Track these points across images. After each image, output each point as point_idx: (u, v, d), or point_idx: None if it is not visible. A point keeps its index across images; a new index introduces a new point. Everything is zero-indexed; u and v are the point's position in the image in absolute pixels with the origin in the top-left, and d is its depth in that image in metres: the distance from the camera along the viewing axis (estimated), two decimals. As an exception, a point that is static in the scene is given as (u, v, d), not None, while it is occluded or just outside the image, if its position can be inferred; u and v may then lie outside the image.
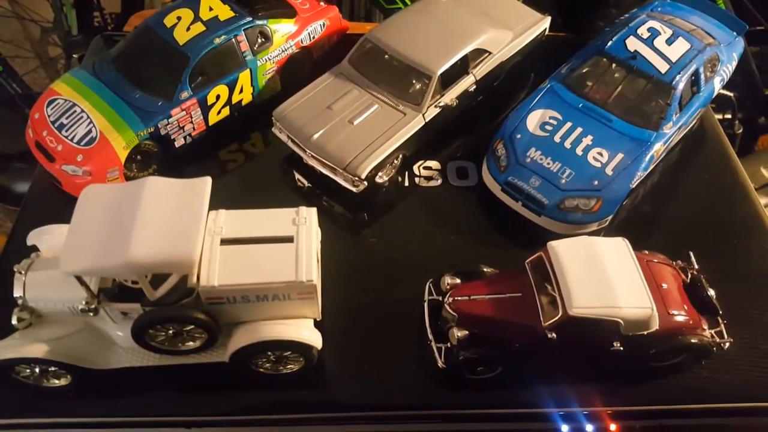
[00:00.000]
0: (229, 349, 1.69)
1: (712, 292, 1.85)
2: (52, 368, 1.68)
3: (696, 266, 1.93)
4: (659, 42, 2.34)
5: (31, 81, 4.55)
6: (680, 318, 1.75)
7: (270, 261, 1.61)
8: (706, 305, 1.83)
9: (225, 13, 2.30)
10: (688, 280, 1.89)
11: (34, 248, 1.79)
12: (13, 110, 3.86)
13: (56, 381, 1.74)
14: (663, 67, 2.27)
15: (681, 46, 2.33)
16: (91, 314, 1.60)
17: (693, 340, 1.75)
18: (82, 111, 2.15)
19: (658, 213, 2.30)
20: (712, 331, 1.80)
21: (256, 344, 1.66)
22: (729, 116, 3.28)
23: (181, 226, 1.52)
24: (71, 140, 2.10)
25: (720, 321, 1.83)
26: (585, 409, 1.78)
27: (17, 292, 1.65)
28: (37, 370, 1.68)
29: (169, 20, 2.25)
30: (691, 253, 1.95)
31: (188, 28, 2.22)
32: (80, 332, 1.69)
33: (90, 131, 2.11)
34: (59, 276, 1.53)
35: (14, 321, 1.66)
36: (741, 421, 1.84)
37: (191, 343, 1.70)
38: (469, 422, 1.81)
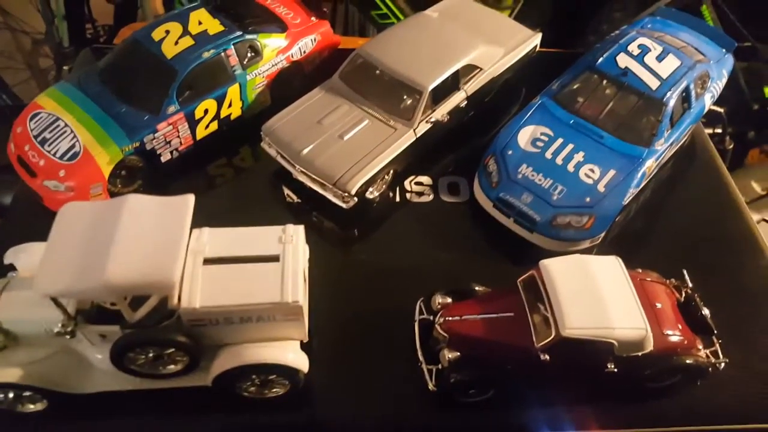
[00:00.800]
0: (212, 372, 1.63)
1: (706, 311, 1.82)
2: (27, 393, 1.62)
3: (690, 284, 1.90)
4: (650, 59, 2.34)
5: (22, 93, 4.50)
6: (675, 338, 1.72)
7: (255, 281, 1.57)
8: (700, 324, 1.80)
9: (214, 27, 2.28)
10: (682, 299, 1.86)
11: (12, 267, 1.73)
12: (3, 122, 3.81)
13: (31, 406, 1.67)
14: (654, 83, 2.27)
15: (671, 63, 2.33)
16: (68, 337, 1.55)
17: (688, 361, 1.72)
18: (66, 125, 2.10)
19: (650, 230, 2.28)
20: (707, 351, 1.77)
21: (240, 368, 1.60)
22: (719, 131, 3.29)
23: (162, 246, 1.48)
24: (54, 155, 2.06)
25: (715, 340, 1.80)
26: (579, 431, 1.73)
27: (-9, 313, 1.59)
28: (11, 395, 1.62)
29: (157, 34, 2.22)
30: (685, 272, 1.93)
31: (176, 42, 2.20)
32: (57, 355, 1.63)
33: (73, 146, 2.06)
34: (35, 297, 1.47)
35: (-13, 344, 1.59)
36: (738, 444, 1.81)
37: (172, 366, 1.64)
38: (461, 446, 1.76)
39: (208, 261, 1.59)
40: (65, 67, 3.96)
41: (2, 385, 1.57)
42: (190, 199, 1.60)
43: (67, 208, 1.57)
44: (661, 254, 2.16)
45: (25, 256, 1.71)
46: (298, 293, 1.56)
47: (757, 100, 3.70)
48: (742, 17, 3.55)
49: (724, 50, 2.59)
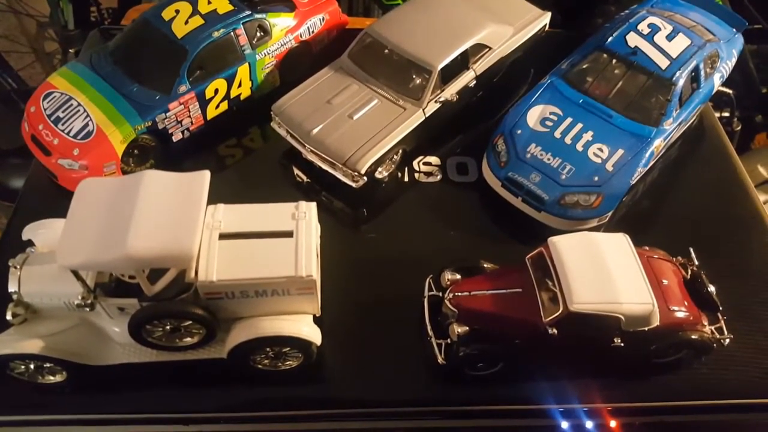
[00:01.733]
0: (228, 345, 1.67)
1: (712, 288, 1.84)
2: (48, 364, 1.66)
3: (696, 262, 1.92)
4: (659, 38, 2.33)
5: (27, 76, 4.52)
6: (681, 314, 1.75)
7: (269, 256, 1.60)
8: (706, 301, 1.83)
9: (224, 6, 2.28)
10: (689, 276, 1.88)
11: (30, 243, 1.76)
12: (9, 106, 3.83)
13: (52, 377, 1.72)
14: (663, 63, 2.26)
15: (681, 42, 2.32)
16: (87, 309, 1.58)
17: (693, 337, 1.75)
18: (79, 104, 2.12)
19: (658, 209, 2.29)
20: (713, 327, 1.79)
21: (255, 340, 1.64)
22: (727, 114, 3.28)
23: (180, 220, 1.50)
24: (68, 134, 2.08)
25: (720, 317, 1.82)
26: (585, 405, 1.77)
27: (12, 287, 1.63)
28: (32, 366, 1.66)
29: (167, 13, 2.22)
30: (691, 249, 1.95)
31: (186, 22, 2.20)
32: (76, 328, 1.67)
33: (87, 125, 2.09)
34: (55, 271, 1.51)
35: (9, 316, 1.63)
36: (741, 418, 1.85)
37: (189, 338, 1.68)
38: (470, 419, 1.80)
39: (223, 236, 1.62)
40: (71, 50, 3.96)
41: (24, 357, 1.62)
42: (206, 174, 1.62)
43: (86, 184, 1.60)
44: (668, 233, 2.18)
45: (44, 231, 1.74)
46: (312, 267, 1.59)
47: (765, 84, 3.68)
48: (754, -1, 3.52)
49: (734, 30, 2.58)
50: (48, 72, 4.70)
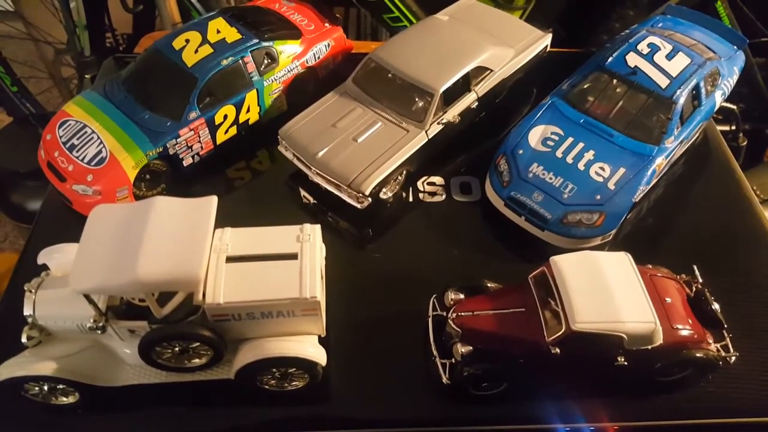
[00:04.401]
0: (235, 365, 1.71)
1: (716, 306, 1.84)
2: (61, 386, 1.71)
3: (700, 279, 1.92)
4: (659, 57, 2.36)
5: (45, 101, 4.67)
6: (685, 332, 1.75)
7: (274, 278, 1.64)
8: (710, 319, 1.82)
9: (232, 35, 2.36)
10: (693, 294, 1.88)
11: (45, 267, 1.82)
12: (27, 129, 3.96)
13: (64, 399, 1.76)
14: (663, 82, 2.29)
15: (681, 61, 2.35)
16: (99, 332, 1.63)
17: (698, 355, 1.74)
18: (93, 132, 2.20)
19: (662, 227, 2.30)
20: (718, 345, 1.79)
21: (261, 361, 1.67)
22: (733, 128, 3.28)
23: (188, 245, 1.55)
24: (82, 160, 2.16)
25: (725, 335, 1.82)
26: (591, 424, 1.77)
27: (27, 311, 1.68)
28: (45, 387, 1.71)
29: (177, 43, 2.31)
30: (695, 267, 1.95)
31: (196, 51, 2.28)
32: (88, 350, 1.72)
33: (100, 151, 2.16)
34: (68, 294, 1.57)
35: (24, 339, 1.69)
36: (750, 437, 1.83)
37: (197, 360, 1.72)
38: (474, 439, 1.81)
39: (230, 259, 1.67)
40: (87, 76, 4.09)
41: (38, 378, 1.66)
42: (213, 200, 1.67)
43: (98, 210, 1.66)
44: (672, 251, 2.19)
45: (58, 256, 1.79)
46: (316, 289, 1.62)
47: (775, 96, 3.67)
48: (759, 12, 3.53)
49: (735, 47, 2.60)
50: (65, 97, 4.86)
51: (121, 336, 1.69)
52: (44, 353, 1.69)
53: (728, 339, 1.81)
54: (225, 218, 1.75)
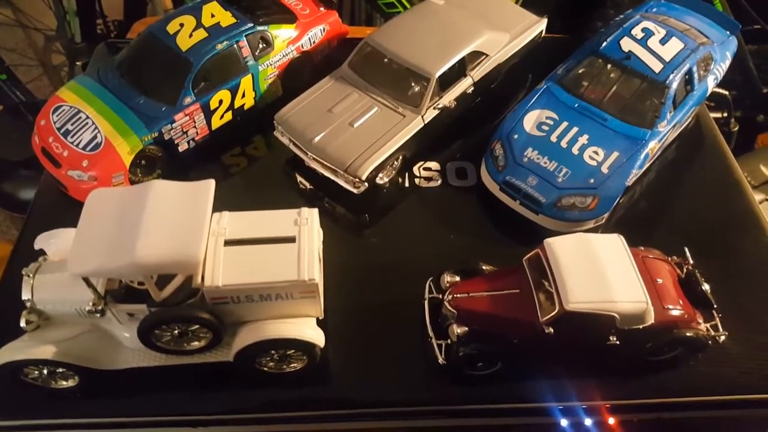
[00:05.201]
0: (234, 348, 1.72)
1: (706, 287, 1.87)
2: (60, 369, 1.72)
3: (691, 261, 1.96)
4: (653, 42, 2.38)
5: (35, 89, 4.61)
6: (675, 312, 1.78)
7: (273, 261, 1.65)
8: (701, 299, 1.86)
9: (227, 19, 2.34)
10: (684, 275, 1.92)
11: (42, 252, 1.82)
12: (18, 118, 3.92)
13: (64, 382, 1.77)
14: (657, 66, 2.31)
15: (674, 46, 2.37)
16: (98, 315, 1.64)
17: (688, 334, 1.78)
18: (87, 117, 2.19)
19: (655, 210, 2.33)
20: (708, 325, 1.83)
21: (260, 343, 1.69)
22: (725, 115, 3.31)
23: (186, 228, 1.56)
24: (77, 146, 2.15)
25: (715, 314, 1.86)
26: (584, 403, 1.80)
27: (25, 295, 1.69)
28: (45, 371, 1.72)
29: (171, 27, 2.29)
30: (686, 249, 1.98)
31: (191, 35, 2.27)
32: (87, 334, 1.73)
33: (95, 137, 2.15)
34: (66, 278, 1.57)
35: (23, 323, 1.69)
36: (737, 413, 1.87)
37: (196, 342, 1.73)
38: (470, 417, 1.84)
39: (228, 242, 1.68)
40: (78, 63, 4.05)
41: (38, 362, 1.67)
42: (211, 183, 1.68)
43: (96, 194, 1.66)
44: (664, 234, 2.22)
45: (55, 241, 1.80)
46: (314, 271, 1.64)
47: (766, 83, 3.70)
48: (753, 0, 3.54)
49: (728, 33, 2.62)
50: (55, 84, 4.80)
51: (120, 319, 1.70)
52: (43, 337, 1.70)
53: (718, 319, 1.85)
54: (221, 205, 1.76)
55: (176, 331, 1.68)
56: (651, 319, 1.70)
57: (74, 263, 1.52)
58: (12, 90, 4.19)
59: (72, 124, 2.19)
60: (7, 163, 3.70)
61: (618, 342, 1.72)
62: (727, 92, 3.13)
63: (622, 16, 2.66)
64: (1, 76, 4.16)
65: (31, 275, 1.71)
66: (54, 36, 4.43)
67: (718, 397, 1.83)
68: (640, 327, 1.71)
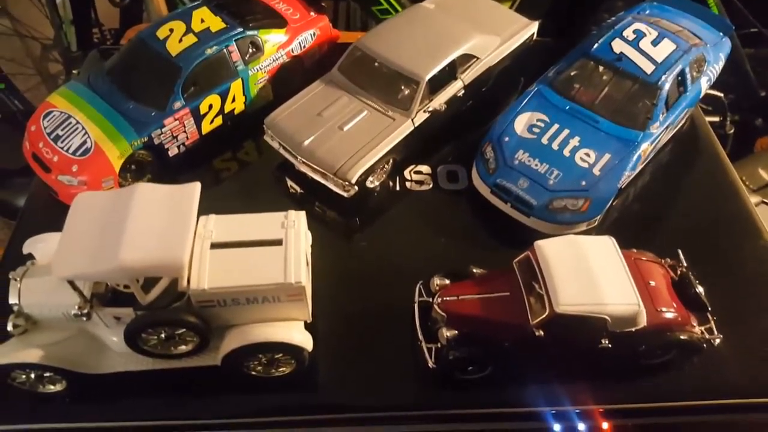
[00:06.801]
0: (221, 352, 1.71)
1: (700, 289, 1.85)
2: (48, 374, 1.70)
3: (684, 264, 1.94)
4: (645, 43, 2.37)
5: (33, 98, 4.62)
6: (669, 314, 1.76)
7: (259, 264, 1.64)
8: (695, 302, 1.84)
9: (216, 24, 2.35)
10: (677, 278, 1.90)
11: (30, 256, 1.81)
12: (15, 126, 3.93)
13: (52, 387, 1.76)
14: (648, 68, 2.30)
15: (666, 47, 2.36)
16: (85, 319, 1.63)
17: (682, 337, 1.76)
18: (77, 122, 2.19)
19: (648, 213, 2.31)
20: (702, 328, 1.81)
21: (247, 347, 1.67)
22: (720, 117, 3.29)
23: (171, 231, 1.55)
24: (66, 151, 2.15)
25: (710, 317, 1.83)
26: (577, 407, 1.78)
27: (12, 299, 1.68)
28: (32, 375, 1.71)
29: (161, 32, 2.30)
30: (680, 251, 1.96)
31: (180, 40, 2.27)
32: (74, 337, 1.72)
33: (85, 142, 2.15)
34: (53, 282, 1.56)
35: (9, 327, 1.68)
36: (732, 418, 1.84)
37: (183, 346, 1.72)
38: (461, 422, 1.81)
39: (215, 245, 1.67)
40: (74, 71, 4.05)
41: (25, 366, 1.66)
42: (196, 186, 1.67)
43: (81, 198, 1.66)
44: (658, 237, 2.20)
45: (43, 245, 1.79)
46: (301, 274, 1.63)
47: (764, 87, 3.69)
48: (748, 2, 3.53)
49: (721, 34, 2.61)
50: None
51: (106, 323, 1.69)
52: (30, 341, 1.69)
53: (712, 322, 1.83)
54: (212, 209, 1.75)
55: (163, 335, 1.67)
56: (643, 322, 1.68)
57: (59, 267, 1.51)
58: (10, 98, 4.21)
59: (62, 130, 2.20)
60: (3, 170, 3.70)
61: (610, 345, 1.70)
62: (722, 95, 3.12)
63: (613, 18, 2.66)
64: (0, 85, 4.19)
65: (18, 279, 1.70)
66: (51, 45, 4.46)
67: (712, 402, 1.80)
68: (633, 330, 1.69)
